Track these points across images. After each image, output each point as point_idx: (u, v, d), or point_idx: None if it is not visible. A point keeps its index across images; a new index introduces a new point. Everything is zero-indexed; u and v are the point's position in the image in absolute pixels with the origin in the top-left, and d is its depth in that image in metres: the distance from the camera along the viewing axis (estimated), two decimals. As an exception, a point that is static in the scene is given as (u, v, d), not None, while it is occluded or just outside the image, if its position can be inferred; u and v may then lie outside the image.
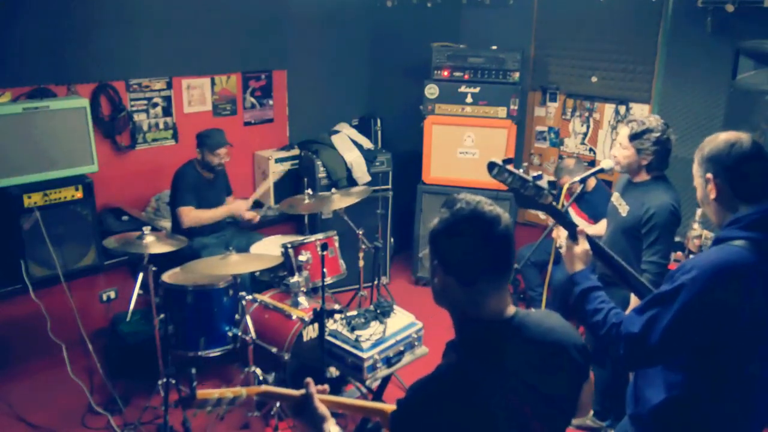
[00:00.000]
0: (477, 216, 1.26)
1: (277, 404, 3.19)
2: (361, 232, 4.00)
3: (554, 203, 1.79)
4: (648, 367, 1.82)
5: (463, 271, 1.28)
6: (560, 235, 3.64)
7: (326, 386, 1.57)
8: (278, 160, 5.00)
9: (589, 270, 1.89)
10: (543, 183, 1.75)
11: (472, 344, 1.31)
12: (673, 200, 2.75)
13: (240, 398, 1.53)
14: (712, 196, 1.76)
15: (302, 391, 1.56)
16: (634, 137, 2.77)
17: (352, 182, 4.86)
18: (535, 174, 1.75)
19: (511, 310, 1.34)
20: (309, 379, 1.55)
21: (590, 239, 1.93)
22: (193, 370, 1.69)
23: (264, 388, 1.57)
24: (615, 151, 2.91)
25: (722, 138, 1.77)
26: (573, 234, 1.91)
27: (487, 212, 1.27)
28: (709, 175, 1.76)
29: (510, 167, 1.70)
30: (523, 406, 1.27)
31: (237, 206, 4.22)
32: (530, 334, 1.33)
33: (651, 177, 2.83)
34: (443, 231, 1.29)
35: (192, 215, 3.98)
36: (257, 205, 4.98)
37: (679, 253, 3.72)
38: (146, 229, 3.27)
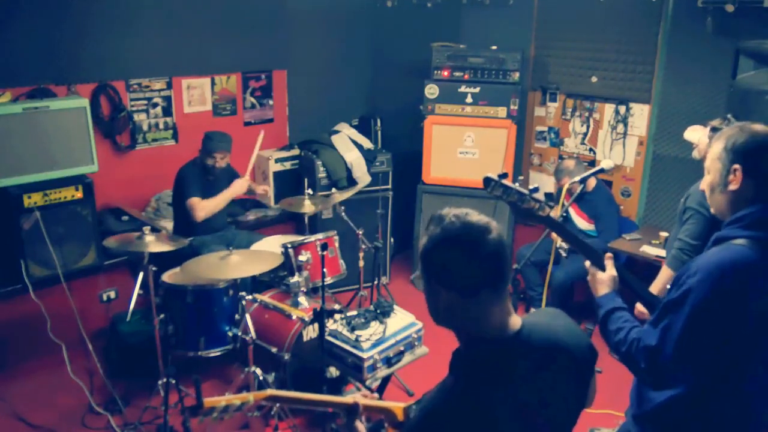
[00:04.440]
0: (468, 227, 1.25)
1: (277, 405, 3.18)
2: (361, 232, 3.99)
3: (552, 215, 1.73)
4: (669, 379, 1.76)
5: (464, 284, 1.24)
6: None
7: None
8: (278, 160, 5.00)
9: (614, 293, 1.88)
10: (540, 196, 1.68)
11: (481, 364, 1.28)
12: None
13: (247, 404, 1.51)
14: (733, 187, 1.70)
15: (304, 395, 1.56)
16: (713, 129, 2.97)
17: (352, 182, 4.86)
18: (531, 187, 1.68)
19: (517, 322, 1.32)
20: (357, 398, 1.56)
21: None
22: (198, 378, 1.67)
23: (270, 392, 1.55)
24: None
25: (762, 133, 1.70)
26: (599, 261, 1.89)
27: (476, 222, 1.26)
28: (737, 167, 1.69)
29: (505, 181, 1.64)
30: (535, 418, 1.28)
31: (238, 185, 4.10)
32: (538, 347, 1.32)
33: None
34: (436, 247, 1.26)
35: (203, 205, 3.94)
36: (258, 205, 4.98)
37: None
38: (146, 229, 3.27)
